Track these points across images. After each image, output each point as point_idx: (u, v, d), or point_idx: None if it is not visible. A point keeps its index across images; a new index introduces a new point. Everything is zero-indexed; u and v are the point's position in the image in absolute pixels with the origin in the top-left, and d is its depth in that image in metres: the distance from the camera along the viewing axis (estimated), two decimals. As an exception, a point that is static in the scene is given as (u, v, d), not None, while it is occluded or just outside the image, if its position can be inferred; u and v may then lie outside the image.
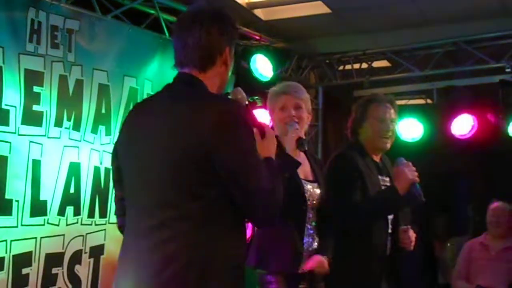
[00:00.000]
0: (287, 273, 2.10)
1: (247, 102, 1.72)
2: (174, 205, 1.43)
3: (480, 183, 4.87)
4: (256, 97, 4.39)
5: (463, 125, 4.25)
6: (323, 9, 3.91)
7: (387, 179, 2.46)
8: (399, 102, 5.39)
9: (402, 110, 4.65)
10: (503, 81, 4.13)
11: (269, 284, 2.09)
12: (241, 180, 1.41)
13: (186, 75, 1.55)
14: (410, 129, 4.39)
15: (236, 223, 1.48)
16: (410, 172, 2.31)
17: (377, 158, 2.52)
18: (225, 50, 1.56)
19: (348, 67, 4.74)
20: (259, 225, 1.58)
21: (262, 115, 4.04)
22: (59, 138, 2.88)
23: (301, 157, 2.23)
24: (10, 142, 2.65)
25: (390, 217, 2.42)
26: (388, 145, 2.51)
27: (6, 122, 2.64)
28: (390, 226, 2.40)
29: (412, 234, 2.40)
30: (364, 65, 4.68)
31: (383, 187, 2.42)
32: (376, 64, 4.69)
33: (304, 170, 2.23)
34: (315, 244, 2.19)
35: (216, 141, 1.40)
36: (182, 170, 1.42)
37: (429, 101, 5.18)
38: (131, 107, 3.28)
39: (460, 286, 3.68)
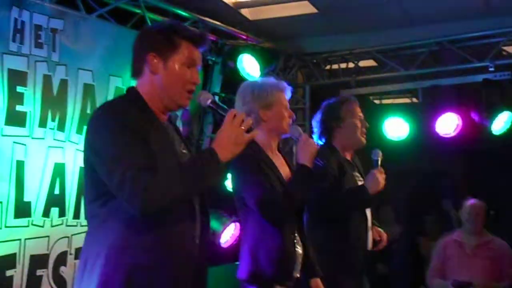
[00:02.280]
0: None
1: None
2: (86, 205, 1.60)
3: (464, 181, 4.93)
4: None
5: (447, 124, 4.30)
6: (309, 9, 3.93)
7: (359, 175, 2.62)
8: (385, 101, 5.51)
9: (388, 109, 4.71)
10: (487, 80, 4.18)
11: None
12: (104, 170, 1.49)
13: (127, 88, 1.68)
14: (396, 128, 4.43)
15: (129, 222, 1.50)
16: (382, 179, 2.46)
17: (349, 157, 2.64)
18: (146, 57, 1.59)
19: (335, 66, 4.76)
20: (138, 215, 1.49)
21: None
22: (44, 138, 2.85)
23: (280, 158, 2.25)
24: (-7, 143, 2.62)
25: (368, 212, 2.55)
26: (365, 141, 2.63)
27: (-11, 123, 2.61)
28: (369, 220, 2.53)
29: (376, 232, 2.59)
30: (351, 65, 4.70)
31: (359, 182, 2.56)
32: (362, 63, 4.72)
33: (285, 171, 2.22)
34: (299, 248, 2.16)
35: (86, 140, 1.56)
36: (86, 173, 1.59)
37: (414, 100, 5.23)
38: (116, 107, 3.32)
39: (436, 283, 3.71)
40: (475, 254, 3.62)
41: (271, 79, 2.27)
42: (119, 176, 1.44)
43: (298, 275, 2.12)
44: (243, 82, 2.28)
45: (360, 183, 2.56)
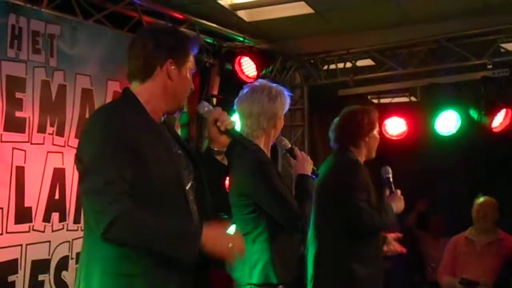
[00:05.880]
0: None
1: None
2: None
3: (464, 179, 4.92)
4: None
5: (446, 122, 4.30)
6: (306, 9, 3.93)
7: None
8: (383, 101, 5.51)
9: (386, 108, 4.71)
10: (485, 78, 4.18)
11: None
12: (85, 181, 1.52)
13: (123, 89, 1.69)
14: (394, 127, 4.43)
15: None
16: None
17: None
18: (165, 62, 1.61)
19: (332, 66, 4.75)
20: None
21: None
22: (43, 144, 2.86)
23: None
24: (-8, 149, 2.63)
25: None
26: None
27: (-12, 129, 2.62)
28: None
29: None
30: (348, 64, 4.70)
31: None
32: (360, 63, 4.72)
33: None
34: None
35: (78, 145, 1.60)
36: None
37: (413, 99, 5.23)
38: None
39: (446, 280, 3.71)
40: (485, 252, 3.60)
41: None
42: (98, 196, 1.46)
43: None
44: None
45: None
